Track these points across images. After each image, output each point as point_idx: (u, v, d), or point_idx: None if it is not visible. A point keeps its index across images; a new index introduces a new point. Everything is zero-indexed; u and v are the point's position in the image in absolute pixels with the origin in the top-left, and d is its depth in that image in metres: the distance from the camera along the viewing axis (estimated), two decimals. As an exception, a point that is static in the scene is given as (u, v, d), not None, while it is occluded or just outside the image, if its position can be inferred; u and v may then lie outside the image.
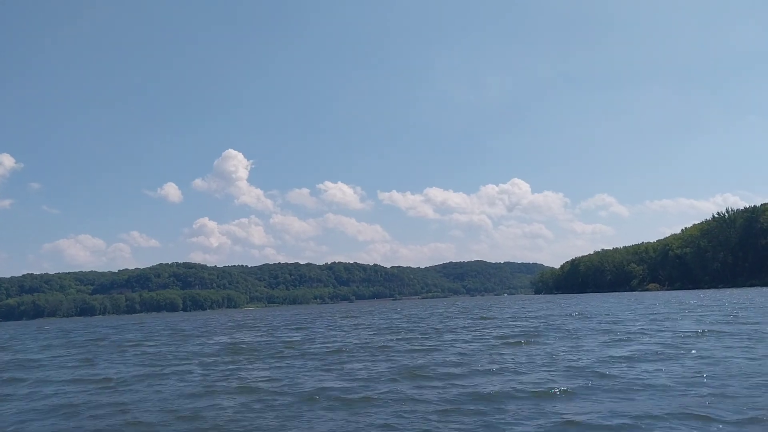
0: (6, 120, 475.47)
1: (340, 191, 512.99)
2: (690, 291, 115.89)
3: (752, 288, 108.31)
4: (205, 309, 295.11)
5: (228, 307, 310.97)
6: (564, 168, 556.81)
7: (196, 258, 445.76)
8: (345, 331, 31.80)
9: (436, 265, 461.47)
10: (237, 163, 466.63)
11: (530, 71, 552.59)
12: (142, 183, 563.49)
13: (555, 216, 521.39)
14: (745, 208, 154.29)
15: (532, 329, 25.39)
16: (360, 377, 13.32)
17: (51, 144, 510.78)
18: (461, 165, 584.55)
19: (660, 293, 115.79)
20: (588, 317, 33.20)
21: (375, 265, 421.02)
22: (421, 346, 19.97)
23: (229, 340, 28.93)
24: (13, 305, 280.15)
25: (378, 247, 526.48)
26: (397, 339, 23.88)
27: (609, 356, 14.52)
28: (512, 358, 15.19)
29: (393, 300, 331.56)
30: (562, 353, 15.71)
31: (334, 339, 25.94)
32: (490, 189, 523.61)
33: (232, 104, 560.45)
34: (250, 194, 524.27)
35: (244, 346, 24.55)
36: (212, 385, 13.26)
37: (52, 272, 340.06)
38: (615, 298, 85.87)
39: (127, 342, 32.12)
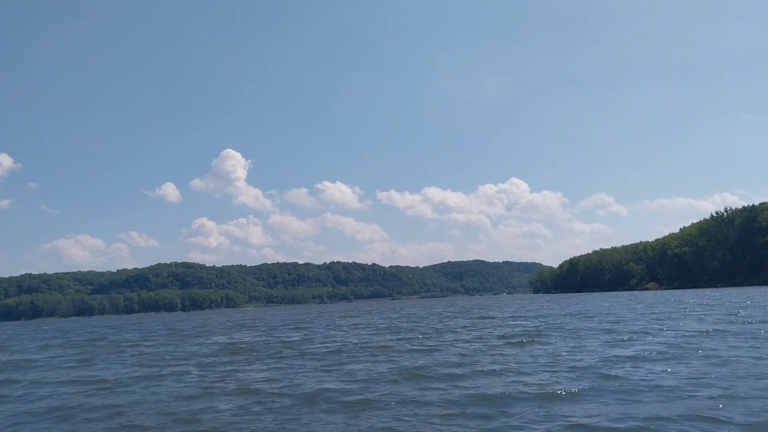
0: (4, 120, 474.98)
1: (339, 191, 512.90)
2: (689, 290, 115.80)
3: (751, 287, 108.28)
4: (204, 309, 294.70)
5: (227, 306, 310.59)
6: (562, 167, 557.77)
7: (195, 258, 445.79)
8: (344, 331, 31.59)
9: (434, 265, 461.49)
10: (235, 162, 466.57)
11: (528, 71, 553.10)
12: (140, 183, 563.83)
13: (553, 215, 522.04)
14: (744, 207, 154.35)
15: (533, 329, 25.18)
16: (360, 378, 13.11)
17: (49, 144, 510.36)
18: (459, 164, 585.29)
19: (659, 292, 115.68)
20: (589, 317, 33.01)
21: (373, 264, 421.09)
22: (422, 346, 19.76)
23: (227, 340, 28.69)
24: (12, 305, 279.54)
25: (376, 247, 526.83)
26: (397, 339, 23.66)
27: (612, 356, 14.31)
28: (514, 359, 14.99)
29: (391, 299, 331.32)
30: (564, 353, 15.51)
31: (334, 339, 25.72)
32: (489, 188, 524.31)
33: (230, 104, 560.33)
34: (249, 194, 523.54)
35: (242, 346, 24.32)
36: (210, 386, 13.04)
37: (50, 272, 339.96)
38: (614, 297, 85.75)
39: (125, 342, 31.88)
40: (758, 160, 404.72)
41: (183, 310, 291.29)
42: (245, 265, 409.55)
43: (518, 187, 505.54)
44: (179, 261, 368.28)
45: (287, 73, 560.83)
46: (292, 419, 9.38)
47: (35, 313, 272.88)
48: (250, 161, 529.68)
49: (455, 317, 41.96)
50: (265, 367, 16.19)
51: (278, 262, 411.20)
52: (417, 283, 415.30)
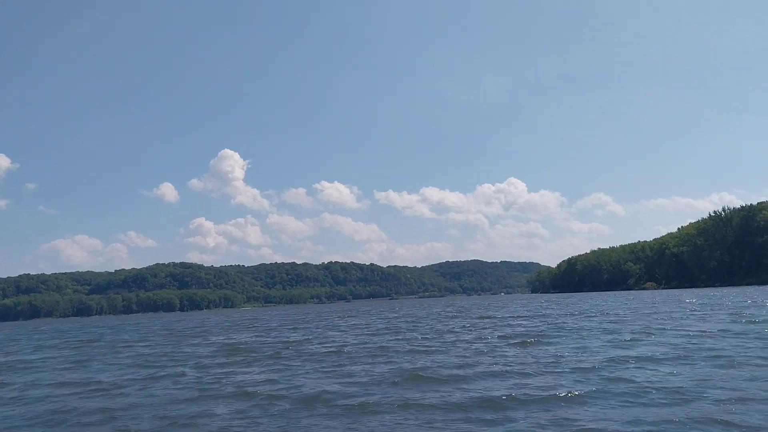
0: (2, 120, 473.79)
1: (337, 191, 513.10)
2: (687, 290, 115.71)
3: (749, 287, 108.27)
4: (202, 309, 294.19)
5: (225, 306, 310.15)
6: (560, 167, 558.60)
7: (193, 258, 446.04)
8: (343, 331, 31.34)
9: (432, 265, 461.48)
10: (233, 163, 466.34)
11: (527, 71, 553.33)
12: (138, 183, 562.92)
13: (551, 215, 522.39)
14: (742, 206, 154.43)
15: (534, 329, 24.96)
16: (360, 380, 12.87)
17: (47, 144, 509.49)
18: (457, 164, 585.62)
19: (657, 292, 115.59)
20: (589, 316, 32.80)
21: (371, 264, 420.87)
22: (422, 347, 19.51)
23: (225, 341, 28.42)
24: (10, 305, 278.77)
25: (374, 247, 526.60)
26: (396, 339, 23.42)
27: (616, 357, 14.08)
28: (516, 360, 14.75)
29: (390, 300, 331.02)
30: (567, 354, 15.28)
31: (333, 339, 25.47)
32: (487, 188, 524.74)
33: (228, 104, 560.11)
34: (247, 194, 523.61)
35: (240, 346, 24.05)
36: (207, 388, 12.78)
37: (48, 272, 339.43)
38: (613, 297, 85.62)
39: (122, 343, 31.59)
40: (756, 160, 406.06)
41: (181, 310, 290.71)
42: (243, 265, 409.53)
43: (516, 186, 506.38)
44: (177, 261, 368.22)
45: (285, 73, 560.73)
46: (290, 423, 9.14)
47: (33, 313, 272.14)
48: (248, 161, 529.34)
49: (454, 317, 41.74)
50: (263, 369, 15.93)
51: (276, 262, 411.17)
52: (415, 283, 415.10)
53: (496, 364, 14.24)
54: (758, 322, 22.18)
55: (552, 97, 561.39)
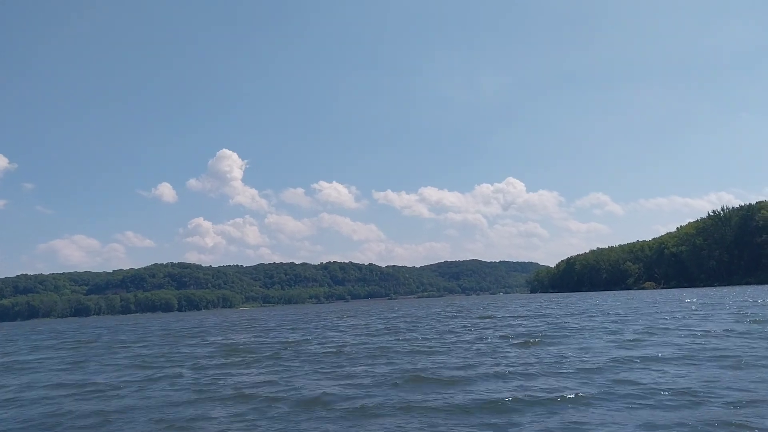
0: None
1: (335, 191, 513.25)
2: (686, 289, 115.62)
3: (748, 286, 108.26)
4: (201, 309, 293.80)
5: (223, 307, 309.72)
6: (558, 167, 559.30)
7: (191, 258, 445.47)
8: (342, 332, 31.10)
9: (431, 265, 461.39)
10: (231, 162, 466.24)
11: (525, 71, 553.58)
12: (136, 183, 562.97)
13: (550, 215, 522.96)
14: (741, 206, 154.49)
15: (535, 329, 24.73)
16: (360, 381, 12.63)
17: (45, 144, 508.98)
18: (456, 164, 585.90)
19: (656, 292, 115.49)
20: (591, 316, 32.60)
21: (370, 264, 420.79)
22: (422, 347, 19.27)
23: (223, 342, 28.17)
24: (8, 306, 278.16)
25: (373, 247, 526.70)
26: (396, 340, 23.19)
27: (621, 358, 13.85)
28: (519, 360, 14.52)
29: (388, 299, 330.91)
30: (571, 354, 15.05)
31: (332, 340, 25.23)
32: (485, 188, 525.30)
33: (226, 104, 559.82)
34: (245, 194, 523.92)
35: (238, 347, 23.81)
36: (204, 390, 12.53)
37: (46, 273, 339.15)
38: (613, 296, 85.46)
39: (119, 343, 31.33)
40: (755, 159, 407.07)
41: (179, 310, 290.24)
42: (242, 265, 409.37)
43: (515, 186, 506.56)
44: (175, 261, 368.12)
45: (283, 73, 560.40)
46: (289, 427, 8.91)
47: (31, 313, 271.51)
48: (246, 161, 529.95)
49: (454, 317, 41.51)
50: (262, 370, 15.70)
51: (275, 262, 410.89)
52: (414, 282, 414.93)
53: (498, 365, 14.01)
54: (762, 322, 21.98)
55: (550, 96, 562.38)
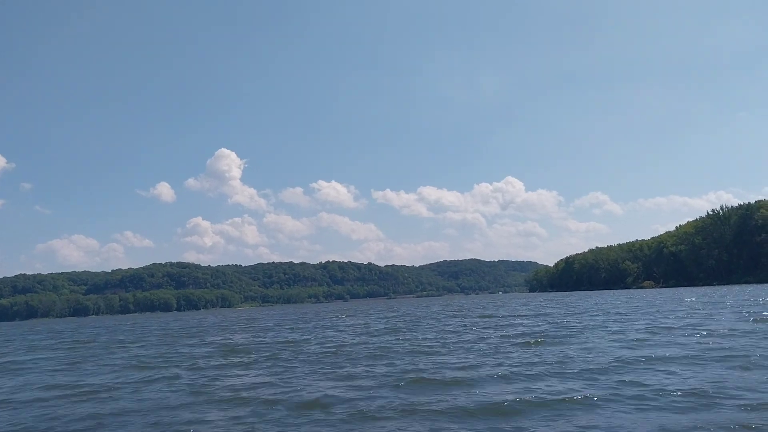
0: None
1: (334, 190, 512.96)
2: (685, 288, 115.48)
3: (748, 285, 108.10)
4: (199, 309, 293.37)
5: (222, 306, 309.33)
6: (557, 166, 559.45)
7: (190, 258, 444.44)
8: (341, 331, 30.86)
9: (430, 264, 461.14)
10: (230, 162, 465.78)
11: (524, 70, 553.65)
12: (135, 183, 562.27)
13: (549, 214, 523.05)
14: (740, 205, 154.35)
15: (537, 329, 24.52)
16: (360, 383, 12.39)
17: (43, 144, 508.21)
18: (455, 163, 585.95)
19: (656, 291, 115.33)
20: (592, 315, 32.39)
21: (369, 263, 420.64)
22: (423, 347, 19.04)
23: (221, 342, 27.93)
24: (6, 306, 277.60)
25: (372, 246, 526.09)
26: (396, 340, 22.95)
27: (624, 358, 13.62)
28: (522, 361, 14.28)
29: (387, 299, 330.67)
30: (574, 355, 14.81)
31: (331, 340, 24.99)
32: (484, 187, 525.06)
33: (225, 103, 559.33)
34: (244, 193, 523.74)
35: (237, 347, 23.57)
36: (201, 392, 12.29)
37: (45, 272, 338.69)
38: (612, 295, 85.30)
39: (117, 344, 31.07)
40: (753, 158, 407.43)
41: (178, 310, 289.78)
42: (240, 265, 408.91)
43: (513, 186, 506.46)
44: (174, 261, 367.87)
45: (282, 73, 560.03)
46: (288, 430, 8.66)
47: (30, 313, 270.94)
48: (244, 161, 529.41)
49: (454, 317, 41.29)
50: (260, 371, 15.45)
51: (274, 262, 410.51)
52: (413, 282, 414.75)
53: (501, 365, 13.78)
54: (766, 321, 21.77)
55: (549, 96, 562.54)
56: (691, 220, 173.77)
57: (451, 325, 31.18)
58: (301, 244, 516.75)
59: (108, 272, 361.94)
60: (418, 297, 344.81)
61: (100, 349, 27.35)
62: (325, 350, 20.00)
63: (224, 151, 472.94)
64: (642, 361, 12.98)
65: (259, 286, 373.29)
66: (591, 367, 12.58)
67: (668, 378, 10.84)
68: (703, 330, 19.53)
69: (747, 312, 27.73)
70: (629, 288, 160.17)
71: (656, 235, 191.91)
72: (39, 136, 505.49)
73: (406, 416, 9.07)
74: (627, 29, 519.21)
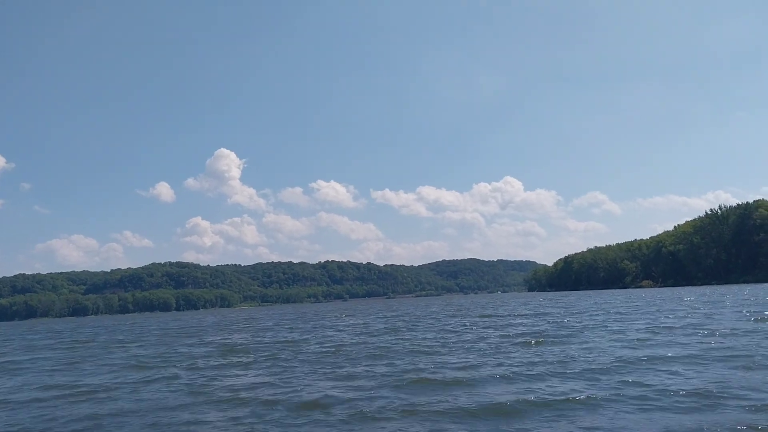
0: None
1: (333, 190, 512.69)
2: (684, 288, 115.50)
3: (746, 284, 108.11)
4: (199, 308, 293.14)
5: (221, 306, 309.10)
6: (556, 166, 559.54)
7: (189, 257, 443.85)
8: (341, 331, 30.79)
9: (429, 263, 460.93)
10: (229, 162, 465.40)
11: (522, 69, 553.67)
12: (134, 183, 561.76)
13: (547, 214, 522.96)
14: (738, 204, 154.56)
15: (537, 328, 24.45)
16: (360, 383, 12.31)
17: (42, 144, 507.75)
18: (454, 163, 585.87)
19: (655, 290, 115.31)
20: (592, 315, 32.33)
21: (368, 263, 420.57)
22: (423, 347, 18.96)
23: (220, 341, 27.84)
24: (6, 305, 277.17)
25: (371, 246, 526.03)
26: (396, 339, 22.88)
27: (627, 358, 13.54)
28: (523, 360, 14.20)
29: (387, 298, 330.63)
30: (575, 354, 14.73)
31: (331, 339, 24.91)
32: (483, 187, 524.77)
33: (224, 103, 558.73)
34: (243, 193, 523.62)
35: (236, 347, 23.49)
36: (200, 392, 12.20)
37: (44, 272, 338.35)
38: (611, 295, 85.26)
39: (116, 343, 30.97)
40: (752, 158, 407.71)
41: (177, 309, 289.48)
42: (240, 265, 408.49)
43: (512, 185, 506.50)
44: (173, 261, 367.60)
45: (281, 73, 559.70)
46: (288, 431, 8.59)
47: (29, 313, 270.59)
48: (244, 160, 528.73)
49: (454, 316, 41.22)
50: (260, 371, 15.37)
51: (273, 262, 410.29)
52: (412, 281, 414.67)
53: (501, 365, 13.70)
54: (766, 320, 21.71)
55: (547, 95, 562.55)
56: (689, 219, 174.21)
57: (450, 324, 31.11)
58: (301, 244, 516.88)
59: (107, 272, 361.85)
60: (417, 297, 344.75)
61: (99, 349, 27.25)
62: (324, 350, 19.92)
63: (224, 151, 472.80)
64: (644, 361, 12.91)
65: (258, 286, 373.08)
66: (592, 367, 12.50)
67: (671, 378, 10.77)
68: (705, 329, 19.47)
69: (747, 311, 27.69)
70: (628, 287, 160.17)
71: (655, 234, 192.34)
72: (38, 136, 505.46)
73: (407, 417, 9.00)
74: (625, 28, 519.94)
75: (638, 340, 17.49)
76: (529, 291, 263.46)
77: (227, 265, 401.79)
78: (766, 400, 8.55)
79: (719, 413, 8.01)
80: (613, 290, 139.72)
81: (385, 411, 9.41)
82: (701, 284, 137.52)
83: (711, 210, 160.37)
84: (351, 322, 42.02)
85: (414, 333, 26.02)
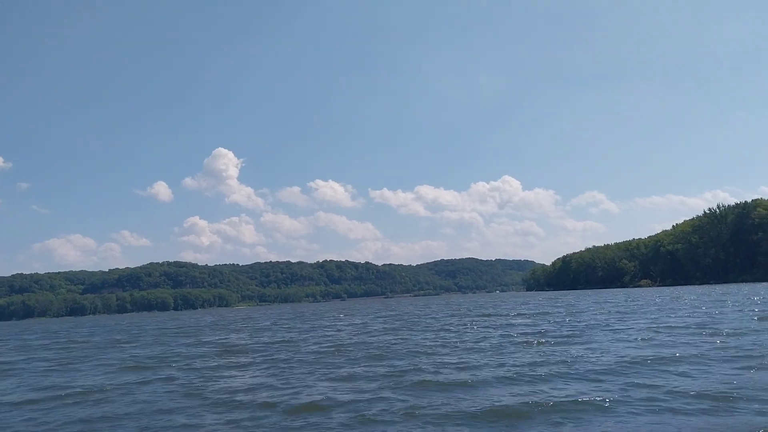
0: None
1: (331, 189, 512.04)
2: (683, 287, 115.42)
3: (744, 284, 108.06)
4: (197, 308, 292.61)
5: (219, 305, 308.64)
6: (554, 165, 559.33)
7: (187, 257, 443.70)
8: (340, 331, 30.53)
9: (427, 263, 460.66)
10: (227, 161, 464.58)
11: (520, 69, 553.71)
12: (132, 182, 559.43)
13: (546, 213, 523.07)
14: (737, 203, 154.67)
15: (538, 328, 24.22)
16: (360, 384, 12.06)
17: (40, 143, 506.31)
18: (452, 163, 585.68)
19: (653, 289, 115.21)
20: (593, 314, 32.12)
21: (366, 263, 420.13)
22: (423, 347, 18.71)
23: (218, 341, 27.57)
24: (3, 305, 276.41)
25: (369, 245, 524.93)
26: (395, 340, 22.62)
27: (632, 358, 13.28)
28: (525, 361, 13.95)
29: (385, 298, 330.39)
30: (578, 355, 14.48)
31: (329, 339, 24.65)
32: (481, 186, 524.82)
33: (222, 103, 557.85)
34: (241, 193, 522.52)
35: (233, 347, 23.23)
36: (197, 394, 11.93)
37: (42, 272, 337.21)
38: (611, 294, 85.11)
39: (112, 343, 30.67)
40: (750, 157, 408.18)
41: (175, 309, 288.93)
42: (238, 264, 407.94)
43: (510, 185, 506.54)
44: (171, 260, 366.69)
45: (279, 72, 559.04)
46: (286, 435, 8.34)
47: (27, 313, 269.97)
48: (242, 160, 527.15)
49: (453, 316, 40.98)
50: (258, 372, 15.10)
51: (271, 261, 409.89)
52: (410, 281, 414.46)
53: (504, 365, 13.45)
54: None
55: (546, 95, 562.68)
56: (687, 219, 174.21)
57: (450, 324, 30.86)
58: (299, 244, 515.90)
59: (105, 272, 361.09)
60: (415, 296, 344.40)
61: (95, 350, 26.96)
62: (323, 350, 19.66)
63: (221, 150, 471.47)
64: (649, 361, 12.67)
65: (256, 286, 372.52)
66: (597, 368, 12.26)
67: (679, 379, 10.53)
68: (708, 329, 19.26)
69: (749, 310, 27.49)
70: (626, 287, 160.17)
71: (653, 234, 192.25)
72: (36, 135, 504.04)
73: (409, 420, 8.74)
74: (624, 28, 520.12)
75: (642, 339, 17.26)
76: (527, 290, 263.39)
77: (225, 264, 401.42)
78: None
79: (732, 415, 7.77)
80: (611, 289, 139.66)
81: (387, 414, 9.16)
82: (700, 283, 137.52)
83: (709, 209, 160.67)
84: (349, 321, 41.76)
85: (413, 333, 25.78)
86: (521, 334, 21.64)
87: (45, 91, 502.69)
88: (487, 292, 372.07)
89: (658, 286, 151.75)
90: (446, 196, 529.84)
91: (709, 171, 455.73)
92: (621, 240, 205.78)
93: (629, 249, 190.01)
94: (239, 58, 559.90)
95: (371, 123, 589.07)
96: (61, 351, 27.55)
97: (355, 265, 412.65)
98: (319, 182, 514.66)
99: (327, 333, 29.39)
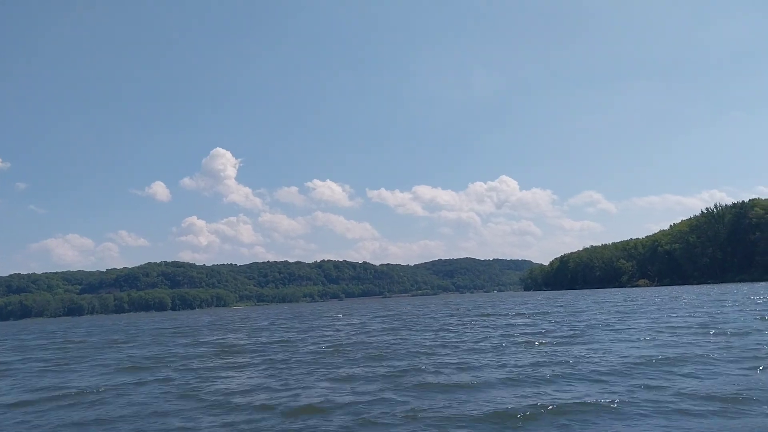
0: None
1: (329, 189, 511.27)
2: (680, 287, 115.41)
3: (742, 284, 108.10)
4: (194, 308, 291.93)
5: (217, 306, 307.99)
6: (551, 165, 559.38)
7: (185, 257, 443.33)
8: (338, 331, 30.31)
9: (425, 263, 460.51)
10: (225, 161, 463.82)
11: (517, 69, 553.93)
12: (129, 182, 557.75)
13: (543, 213, 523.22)
14: (734, 203, 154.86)
15: (538, 328, 24.02)
16: (359, 385, 11.85)
17: (37, 143, 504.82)
18: (449, 162, 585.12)
19: (651, 289, 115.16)
20: (592, 313, 31.95)
21: (364, 262, 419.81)
22: (423, 347, 18.50)
23: (216, 342, 27.32)
24: (0, 305, 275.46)
25: (367, 245, 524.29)
26: (394, 340, 22.41)
27: (634, 359, 13.09)
28: (527, 362, 13.74)
29: (383, 298, 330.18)
30: (581, 355, 14.28)
31: (328, 340, 24.42)
32: (479, 186, 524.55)
33: (220, 102, 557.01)
34: (239, 193, 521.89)
35: (231, 347, 22.99)
36: (193, 396, 11.71)
37: (39, 272, 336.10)
38: (609, 294, 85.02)
39: (109, 344, 30.41)
40: (747, 157, 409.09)
41: (173, 309, 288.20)
42: (236, 264, 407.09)
43: (508, 184, 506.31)
44: (169, 260, 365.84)
45: (277, 72, 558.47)
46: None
47: (24, 313, 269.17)
48: (240, 160, 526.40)
49: (452, 315, 40.78)
50: (255, 373, 14.88)
51: (269, 261, 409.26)
52: (408, 281, 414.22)
53: (505, 366, 13.25)
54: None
55: (541, 94, 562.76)
56: (685, 218, 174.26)
57: (449, 324, 30.66)
58: (297, 243, 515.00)
59: (103, 271, 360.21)
60: (413, 296, 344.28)
61: (92, 350, 26.71)
62: (322, 350, 19.45)
63: (219, 150, 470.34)
64: (654, 362, 12.48)
65: (254, 286, 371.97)
66: (600, 368, 12.06)
67: (685, 380, 10.34)
68: (710, 328, 19.08)
69: (751, 310, 27.35)
70: (624, 286, 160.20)
71: (650, 233, 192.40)
72: (33, 135, 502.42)
73: (410, 422, 8.53)
74: (620, 27, 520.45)
75: (644, 339, 17.07)
76: (525, 290, 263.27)
77: (223, 264, 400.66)
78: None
79: (743, 418, 7.58)
80: (609, 289, 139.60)
81: (387, 416, 8.95)
82: (697, 283, 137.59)
83: (706, 209, 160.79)
84: (348, 321, 41.54)
85: (412, 332, 25.57)
86: (522, 334, 21.45)
87: (42, 91, 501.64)
88: (485, 291, 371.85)
89: (655, 285, 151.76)
90: (444, 195, 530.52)
91: (706, 171, 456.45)
92: (618, 240, 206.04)
93: (627, 249, 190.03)
94: (237, 58, 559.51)
95: (369, 123, 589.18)
96: (57, 351, 27.29)
97: (352, 265, 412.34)
98: (317, 182, 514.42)
99: (325, 333, 29.17)
